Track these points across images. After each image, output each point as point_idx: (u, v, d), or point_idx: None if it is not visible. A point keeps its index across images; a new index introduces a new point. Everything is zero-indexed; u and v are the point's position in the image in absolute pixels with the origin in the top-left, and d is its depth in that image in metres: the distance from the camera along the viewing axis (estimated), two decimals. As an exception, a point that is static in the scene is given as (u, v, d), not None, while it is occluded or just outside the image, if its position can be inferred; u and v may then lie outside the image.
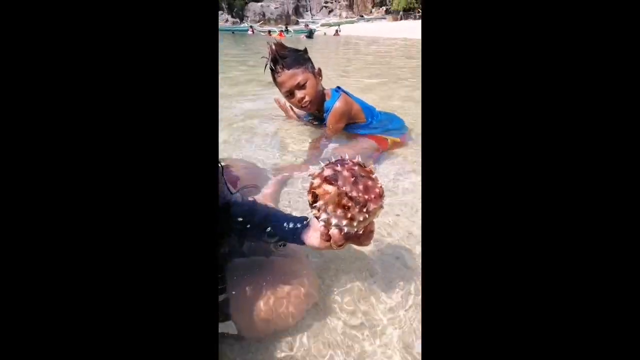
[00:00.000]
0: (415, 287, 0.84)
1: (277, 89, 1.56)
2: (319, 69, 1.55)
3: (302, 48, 1.52)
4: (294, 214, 0.83)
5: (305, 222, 0.72)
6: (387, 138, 1.61)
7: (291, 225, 0.75)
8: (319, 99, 1.55)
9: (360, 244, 0.68)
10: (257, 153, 1.55)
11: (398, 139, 1.61)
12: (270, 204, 0.87)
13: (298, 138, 1.71)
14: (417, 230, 1.03)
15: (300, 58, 1.47)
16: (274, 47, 1.45)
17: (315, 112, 1.61)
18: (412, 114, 1.93)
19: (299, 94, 1.50)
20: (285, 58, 1.45)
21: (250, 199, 0.87)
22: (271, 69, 1.48)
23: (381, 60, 5.93)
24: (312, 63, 1.54)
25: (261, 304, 0.74)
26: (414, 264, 0.91)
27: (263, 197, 1.20)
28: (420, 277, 0.87)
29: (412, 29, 15.39)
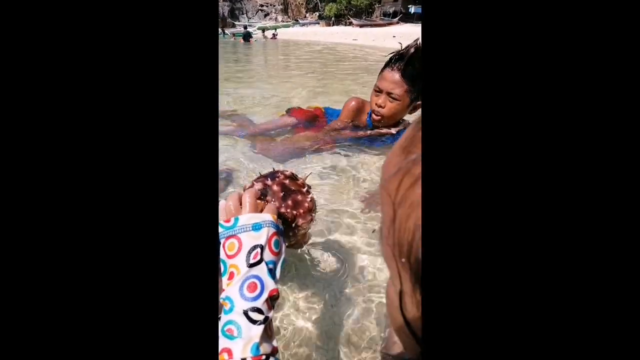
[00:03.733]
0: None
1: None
2: (419, 105, 1.49)
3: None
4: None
5: None
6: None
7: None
8: (392, 121, 1.54)
9: (292, 247, 0.69)
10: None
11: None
12: None
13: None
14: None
15: (417, 80, 1.40)
16: (412, 50, 1.36)
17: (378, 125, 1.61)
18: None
19: (381, 100, 1.46)
20: (409, 66, 1.37)
21: None
22: (390, 60, 1.42)
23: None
24: (419, 95, 1.45)
25: None
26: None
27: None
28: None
29: (347, 34, 16.31)
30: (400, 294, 0.29)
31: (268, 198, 0.61)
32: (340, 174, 1.50)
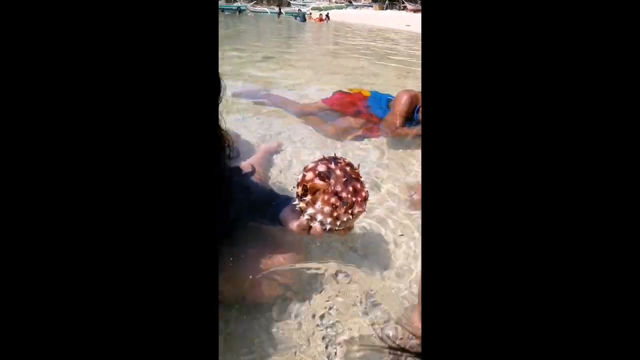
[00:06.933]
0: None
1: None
2: None
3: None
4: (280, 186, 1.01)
5: (286, 205, 0.72)
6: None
7: (272, 204, 0.75)
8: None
9: (337, 234, 0.69)
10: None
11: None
12: (254, 171, 0.91)
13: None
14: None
15: None
16: None
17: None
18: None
19: None
20: None
21: (240, 165, 0.88)
22: None
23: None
24: None
25: (252, 272, 0.76)
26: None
27: (250, 162, 1.20)
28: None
29: (400, 19, 15.84)
30: None
31: (331, 181, 0.64)
32: (383, 164, 1.53)
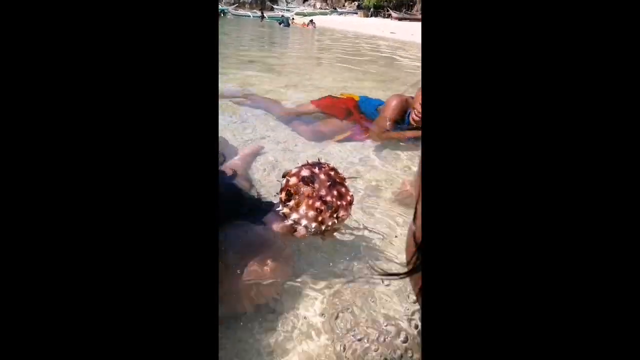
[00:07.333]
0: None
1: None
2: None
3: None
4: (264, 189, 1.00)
5: (269, 210, 0.73)
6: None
7: (255, 208, 0.77)
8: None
9: (322, 236, 0.69)
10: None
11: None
12: (236, 174, 0.89)
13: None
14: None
15: None
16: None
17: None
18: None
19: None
20: None
21: (222, 169, 0.89)
22: None
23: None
24: None
25: (245, 278, 0.72)
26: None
27: (232, 166, 1.18)
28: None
29: (384, 26, 16.02)
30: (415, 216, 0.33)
31: (316, 185, 0.63)
32: (372, 165, 1.54)
